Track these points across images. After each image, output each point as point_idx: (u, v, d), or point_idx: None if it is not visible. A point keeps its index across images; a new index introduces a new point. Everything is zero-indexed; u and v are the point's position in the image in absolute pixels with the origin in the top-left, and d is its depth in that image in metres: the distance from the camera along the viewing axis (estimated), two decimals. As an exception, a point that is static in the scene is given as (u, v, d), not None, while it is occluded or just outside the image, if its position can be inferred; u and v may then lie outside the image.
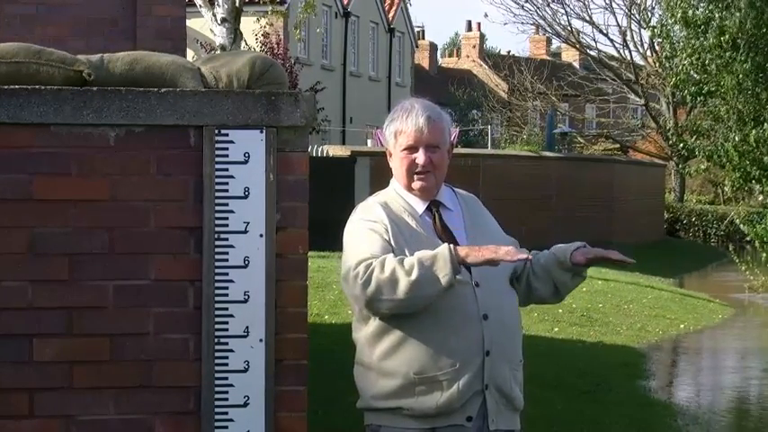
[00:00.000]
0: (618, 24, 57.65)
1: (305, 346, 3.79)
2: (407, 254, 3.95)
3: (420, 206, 4.12)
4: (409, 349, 3.96)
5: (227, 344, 3.71)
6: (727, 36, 18.84)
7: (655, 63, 40.62)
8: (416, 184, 4.10)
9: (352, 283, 3.92)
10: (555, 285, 4.19)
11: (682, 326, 17.08)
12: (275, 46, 30.16)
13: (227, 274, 3.70)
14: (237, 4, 16.73)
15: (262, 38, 30.06)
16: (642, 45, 43.54)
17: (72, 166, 3.66)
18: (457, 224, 4.14)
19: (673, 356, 15.56)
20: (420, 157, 4.07)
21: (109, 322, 3.67)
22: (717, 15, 19.13)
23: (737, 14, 18.86)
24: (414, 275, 3.84)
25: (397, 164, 4.12)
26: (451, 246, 3.89)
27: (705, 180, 42.90)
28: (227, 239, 3.70)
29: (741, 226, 19.96)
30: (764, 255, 19.51)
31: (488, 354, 3.99)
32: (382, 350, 4.01)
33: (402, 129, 4.09)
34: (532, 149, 34.31)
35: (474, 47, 58.23)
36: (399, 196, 4.14)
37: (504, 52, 62.06)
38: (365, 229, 4.02)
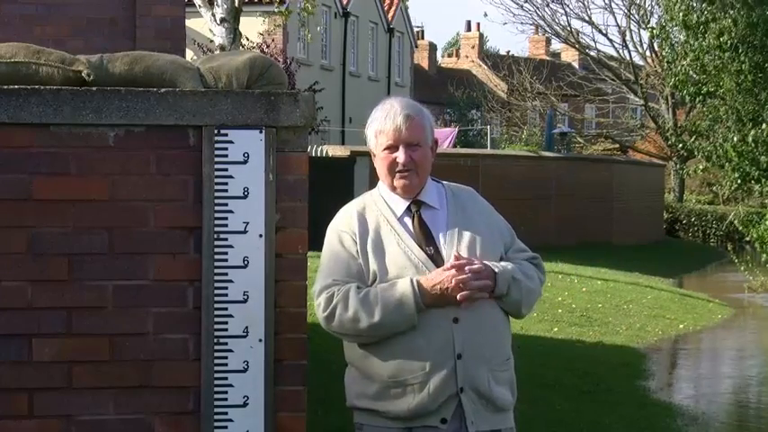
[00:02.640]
0: (617, 24, 57.75)
1: (304, 346, 3.79)
2: (373, 263, 3.99)
3: (401, 207, 4.10)
4: (382, 353, 3.99)
5: (226, 344, 3.71)
6: (725, 37, 18.86)
7: (654, 63, 40.64)
8: (398, 183, 4.09)
9: (316, 309, 4.02)
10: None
11: (681, 326, 17.08)
12: (270, 45, 30.08)
13: (226, 274, 3.70)
14: (237, 4, 16.72)
15: (258, 39, 30.01)
16: (641, 45, 43.68)
17: (71, 166, 3.66)
18: (440, 223, 4.11)
19: (672, 357, 15.56)
20: (400, 155, 4.06)
21: (108, 322, 3.67)
22: (716, 15, 19.14)
23: (731, 13, 18.88)
24: (376, 318, 3.93)
25: (379, 164, 4.12)
26: (415, 286, 3.93)
27: (704, 180, 42.91)
28: (226, 239, 3.70)
29: (740, 228, 19.96)
30: (764, 255, 19.51)
31: (460, 357, 3.97)
32: (361, 352, 4.05)
33: (381, 128, 4.09)
34: (532, 149, 34.36)
35: (473, 47, 58.22)
36: (381, 198, 4.14)
37: (503, 52, 62.10)
38: (335, 242, 4.07)
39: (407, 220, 4.09)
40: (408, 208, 4.10)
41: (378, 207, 4.11)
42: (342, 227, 4.08)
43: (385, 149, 4.08)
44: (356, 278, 4.00)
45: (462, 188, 4.26)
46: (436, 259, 4.03)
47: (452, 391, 3.97)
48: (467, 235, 4.08)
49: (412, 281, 3.94)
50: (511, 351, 4.17)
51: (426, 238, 4.06)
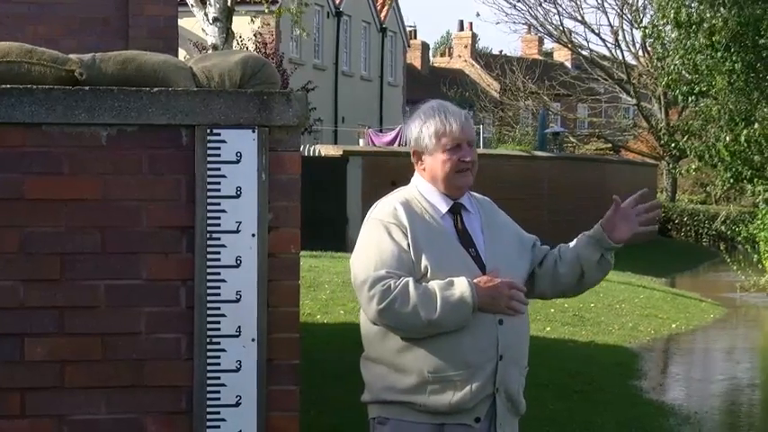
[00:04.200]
0: (610, 24, 57.97)
1: (297, 346, 3.79)
2: (425, 259, 3.97)
3: (443, 207, 4.11)
4: (424, 348, 3.97)
5: (218, 343, 3.71)
6: (717, 36, 18.90)
7: (647, 63, 40.69)
8: (462, 181, 4.10)
9: (365, 302, 3.94)
10: (582, 269, 4.22)
11: (674, 325, 17.10)
12: (265, 45, 30.07)
13: (219, 273, 3.70)
14: (229, 4, 16.72)
15: (253, 38, 30.00)
16: (634, 45, 43.62)
17: (64, 165, 3.66)
18: (475, 227, 4.15)
19: (664, 356, 15.58)
20: (467, 153, 4.09)
21: (100, 322, 3.67)
22: (708, 15, 19.18)
23: (722, 11, 18.93)
24: (436, 315, 3.89)
25: (440, 164, 4.09)
26: (473, 288, 3.92)
27: (696, 180, 42.98)
28: (218, 239, 3.70)
29: (728, 232, 20.04)
30: (756, 255, 19.55)
31: (502, 358, 4.02)
32: (395, 346, 4.00)
33: (445, 129, 4.08)
34: (524, 149, 34.37)
35: (466, 46, 58.21)
36: (422, 196, 4.12)
37: (495, 52, 62.10)
38: (382, 233, 4.00)
39: (449, 221, 4.11)
40: (450, 210, 4.12)
41: (420, 204, 4.10)
42: (389, 218, 4.02)
43: (450, 149, 4.08)
44: (407, 271, 3.95)
45: (482, 197, 4.31)
46: (477, 261, 4.06)
47: (489, 392, 4.01)
48: (501, 241, 4.15)
49: (470, 282, 3.94)
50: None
51: (467, 240, 4.09)
